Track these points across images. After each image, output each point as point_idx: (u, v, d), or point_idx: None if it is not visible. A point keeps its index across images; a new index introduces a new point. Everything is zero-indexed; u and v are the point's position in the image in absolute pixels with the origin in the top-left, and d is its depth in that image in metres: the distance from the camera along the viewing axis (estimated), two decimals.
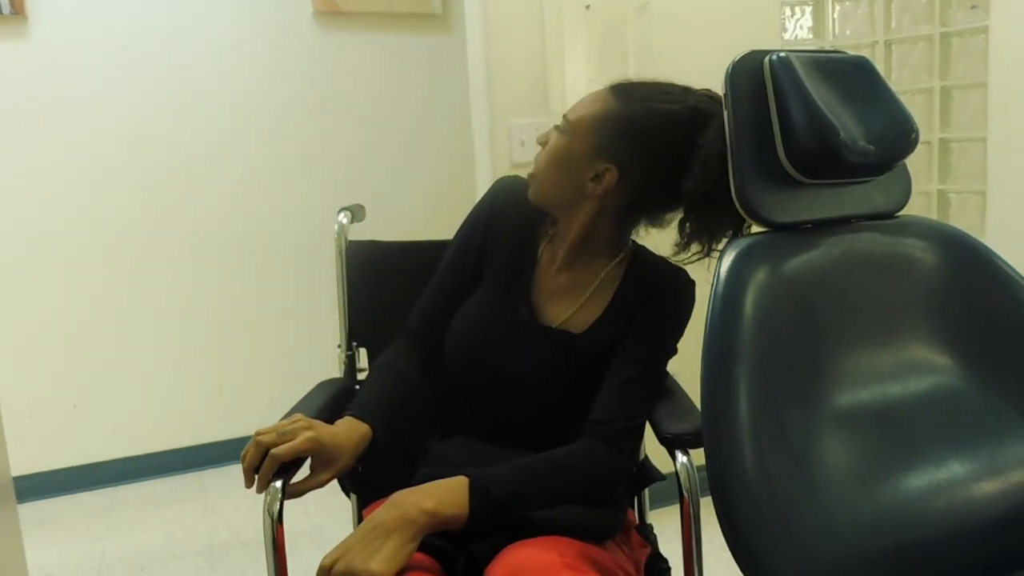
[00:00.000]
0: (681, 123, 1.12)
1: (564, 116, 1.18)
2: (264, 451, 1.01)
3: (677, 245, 1.21)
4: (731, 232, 1.15)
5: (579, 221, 1.19)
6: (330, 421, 1.12)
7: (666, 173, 1.14)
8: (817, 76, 1.03)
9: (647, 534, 1.29)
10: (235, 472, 2.94)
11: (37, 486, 2.76)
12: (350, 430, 1.10)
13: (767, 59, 1.03)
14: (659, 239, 1.26)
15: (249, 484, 1.03)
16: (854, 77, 1.06)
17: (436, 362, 1.27)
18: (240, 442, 1.05)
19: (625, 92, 1.16)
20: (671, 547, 1.13)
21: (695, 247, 1.19)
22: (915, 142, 1.05)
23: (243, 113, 2.94)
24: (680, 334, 1.20)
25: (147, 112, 2.81)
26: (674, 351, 1.20)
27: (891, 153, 1.04)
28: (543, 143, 1.21)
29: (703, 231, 1.18)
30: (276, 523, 1.02)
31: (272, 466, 1.01)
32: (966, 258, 1.08)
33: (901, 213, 1.13)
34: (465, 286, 1.28)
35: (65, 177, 2.73)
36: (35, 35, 2.65)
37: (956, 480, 0.95)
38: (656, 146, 1.13)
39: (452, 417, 1.27)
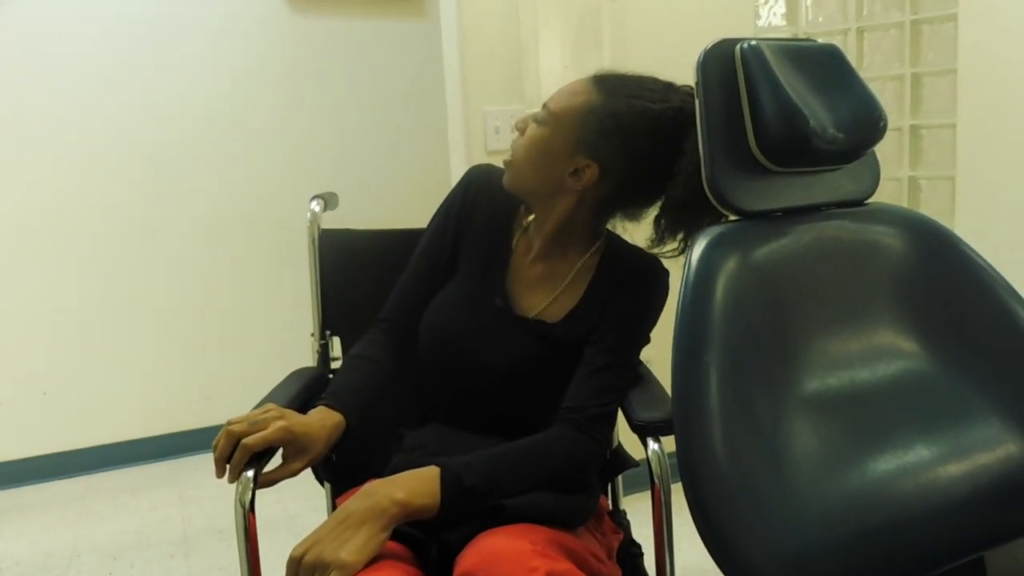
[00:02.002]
0: (665, 123, 1.12)
1: (545, 105, 1.17)
2: (235, 441, 1.01)
3: (652, 241, 1.21)
4: None
5: (556, 212, 1.19)
6: (303, 410, 1.12)
7: (647, 173, 1.15)
8: (787, 64, 1.03)
9: (620, 520, 1.31)
10: (210, 460, 2.88)
11: (7, 475, 2.74)
12: (323, 419, 1.10)
13: (738, 47, 1.03)
14: (634, 231, 1.27)
15: (220, 474, 1.03)
16: (824, 65, 1.07)
17: (411, 351, 1.26)
18: (215, 430, 1.04)
19: (609, 86, 1.15)
20: (644, 533, 1.14)
21: (670, 243, 1.20)
22: (883, 130, 1.06)
23: (215, 100, 2.91)
24: (653, 323, 1.21)
25: (116, 98, 2.77)
26: (647, 340, 1.21)
27: (860, 141, 1.05)
28: (521, 129, 1.20)
29: (679, 229, 1.18)
30: (248, 512, 1.02)
31: (243, 456, 1.01)
32: (933, 245, 1.10)
33: (870, 200, 1.14)
34: (440, 275, 1.28)
35: (28, 165, 2.69)
36: (5, 23, 2.60)
37: (923, 463, 0.97)
38: (639, 146, 1.13)
39: (427, 406, 1.27)
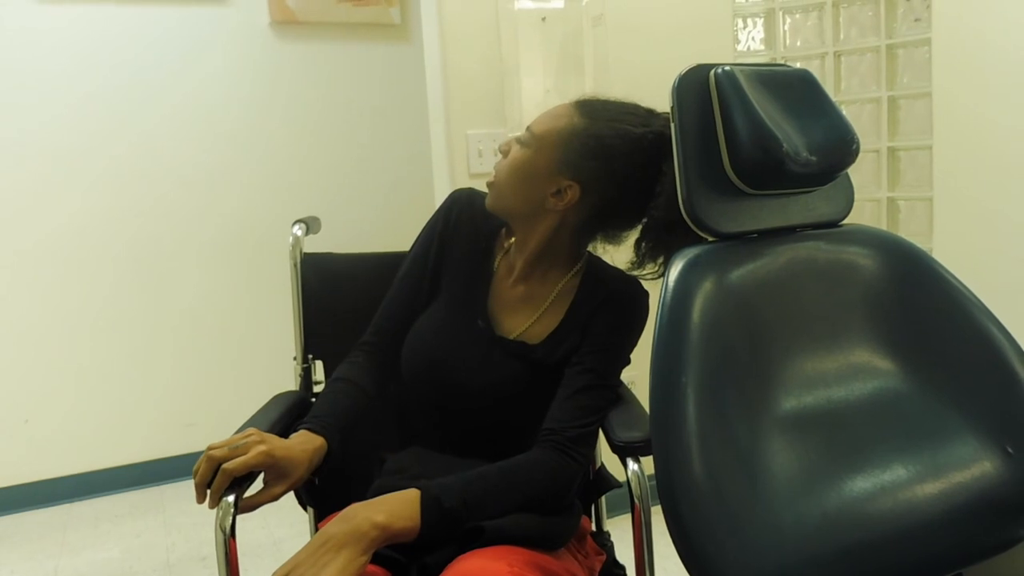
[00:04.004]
0: (646, 146, 1.14)
1: (528, 128, 1.19)
2: (216, 466, 1.01)
3: (632, 263, 1.23)
4: None
5: (537, 233, 1.21)
6: (285, 434, 1.12)
7: (628, 194, 1.16)
8: (761, 89, 1.05)
9: (603, 541, 1.31)
10: (193, 486, 2.89)
11: None
12: (304, 443, 1.10)
13: (712, 72, 1.05)
14: (615, 252, 1.28)
15: (201, 500, 1.02)
16: (797, 90, 1.09)
17: (393, 374, 1.27)
18: (198, 456, 1.04)
19: (591, 110, 1.17)
20: (628, 554, 1.14)
21: (650, 266, 1.21)
22: (856, 153, 1.07)
23: (199, 123, 2.91)
24: (633, 344, 1.22)
25: (101, 121, 2.78)
26: (627, 361, 1.21)
27: (833, 163, 1.07)
28: (505, 152, 1.22)
29: (660, 251, 1.20)
30: (228, 538, 1.01)
31: (224, 481, 1.00)
32: (907, 265, 1.11)
33: (845, 222, 1.15)
34: (421, 299, 1.29)
35: (11, 187, 2.69)
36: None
37: (900, 482, 0.98)
38: (620, 168, 1.15)
39: (408, 428, 1.27)
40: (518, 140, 1.20)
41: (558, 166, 1.15)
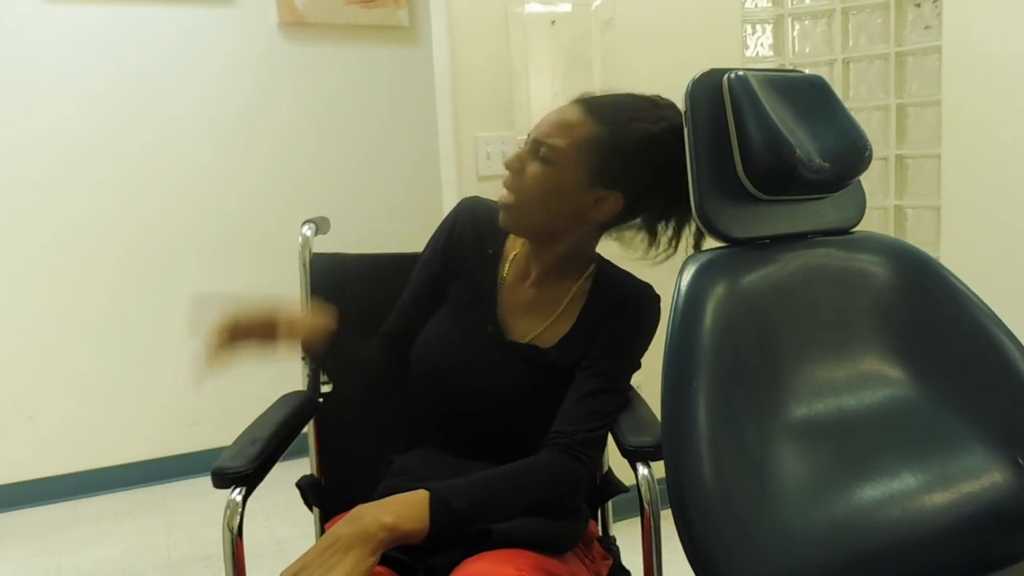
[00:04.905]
0: (668, 140, 1.12)
1: (539, 140, 1.14)
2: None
3: (648, 244, 1.23)
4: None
5: (565, 244, 1.20)
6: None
7: (671, 187, 1.15)
8: (774, 94, 1.05)
9: (609, 546, 1.30)
10: (196, 485, 2.91)
11: None
12: (314, 314, 1.24)
13: (725, 77, 1.04)
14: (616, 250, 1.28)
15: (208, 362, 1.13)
16: (809, 95, 1.09)
17: (398, 373, 1.27)
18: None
19: (603, 113, 1.14)
20: (636, 559, 1.14)
21: (664, 245, 1.23)
22: (868, 159, 1.07)
23: (208, 125, 2.91)
24: (644, 348, 1.21)
25: (109, 120, 2.78)
26: (638, 365, 1.21)
27: (845, 170, 1.06)
28: (515, 168, 1.17)
29: (682, 225, 1.21)
30: (235, 537, 1.01)
31: (227, 335, 1.13)
32: (918, 273, 1.11)
33: (856, 229, 1.15)
34: (428, 305, 1.30)
35: (17, 187, 2.69)
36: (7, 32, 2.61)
37: (909, 491, 0.97)
38: (650, 169, 1.14)
39: (415, 431, 1.27)
40: (538, 156, 1.14)
41: (589, 178, 1.14)
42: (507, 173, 1.18)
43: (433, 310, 1.29)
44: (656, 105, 1.18)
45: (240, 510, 1.01)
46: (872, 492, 0.96)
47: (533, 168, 1.15)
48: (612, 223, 1.21)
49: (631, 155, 1.13)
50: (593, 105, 1.16)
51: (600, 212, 1.16)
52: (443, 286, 1.29)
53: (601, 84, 2.20)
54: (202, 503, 2.70)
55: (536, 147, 1.15)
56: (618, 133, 1.13)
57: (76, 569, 2.31)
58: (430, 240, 1.33)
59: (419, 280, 1.31)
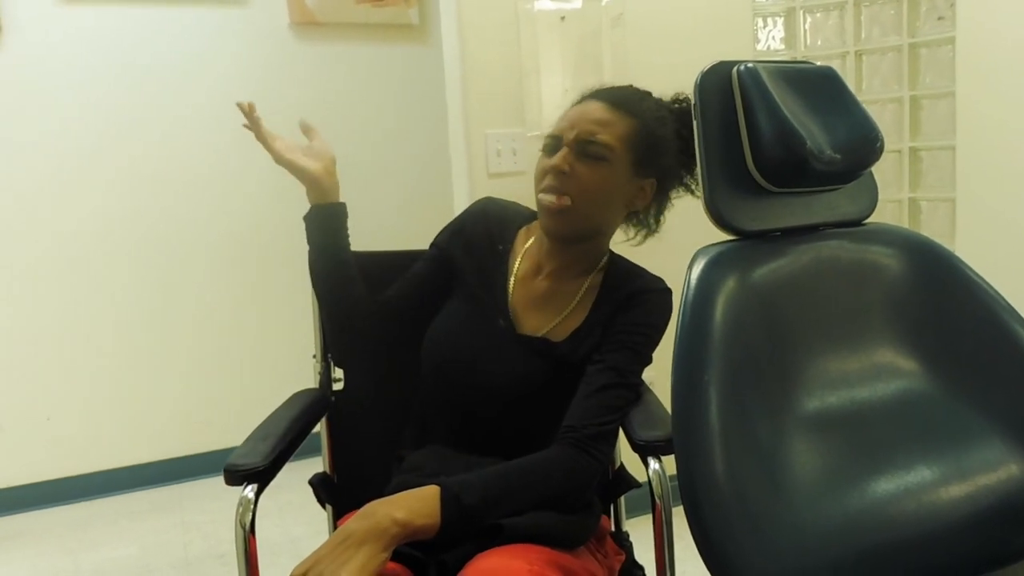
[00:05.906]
0: (679, 127, 1.22)
1: (586, 140, 1.15)
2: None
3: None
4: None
5: (608, 237, 1.26)
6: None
7: (684, 167, 1.26)
8: (784, 86, 1.04)
9: (622, 541, 1.30)
10: (211, 485, 2.92)
11: (10, 500, 2.73)
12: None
13: (735, 69, 1.04)
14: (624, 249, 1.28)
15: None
16: (821, 87, 1.08)
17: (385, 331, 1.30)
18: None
19: (625, 105, 1.19)
20: (648, 555, 1.14)
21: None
22: (880, 151, 1.06)
23: (220, 124, 2.92)
24: (656, 343, 1.21)
25: (121, 123, 2.79)
26: (649, 360, 1.21)
27: (857, 162, 1.06)
28: (558, 170, 1.15)
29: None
30: (248, 534, 1.01)
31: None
32: (932, 264, 1.10)
33: (868, 220, 1.14)
34: (429, 286, 1.30)
35: (31, 187, 2.70)
36: (9, 46, 2.63)
37: (924, 484, 0.97)
38: (672, 153, 1.22)
39: (426, 427, 1.27)
40: (586, 155, 1.15)
41: (634, 169, 1.19)
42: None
43: (436, 282, 1.29)
44: (657, 99, 1.25)
45: (252, 507, 1.01)
46: (886, 485, 0.96)
47: (584, 168, 1.16)
48: (643, 210, 1.26)
49: (661, 139, 1.20)
50: (613, 99, 1.20)
51: (641, 200, 1.22)
52: (451, 268, 1.29)
53: (612, 79, 2.19)
54: (218, 502, 2.71)
55: (583, 146, 1.16)
56: (648, 121, 1.19)
57: (94, 567, 2.32)
58: (443, 228, 1.35)
59: (429, 256, 1.33)
